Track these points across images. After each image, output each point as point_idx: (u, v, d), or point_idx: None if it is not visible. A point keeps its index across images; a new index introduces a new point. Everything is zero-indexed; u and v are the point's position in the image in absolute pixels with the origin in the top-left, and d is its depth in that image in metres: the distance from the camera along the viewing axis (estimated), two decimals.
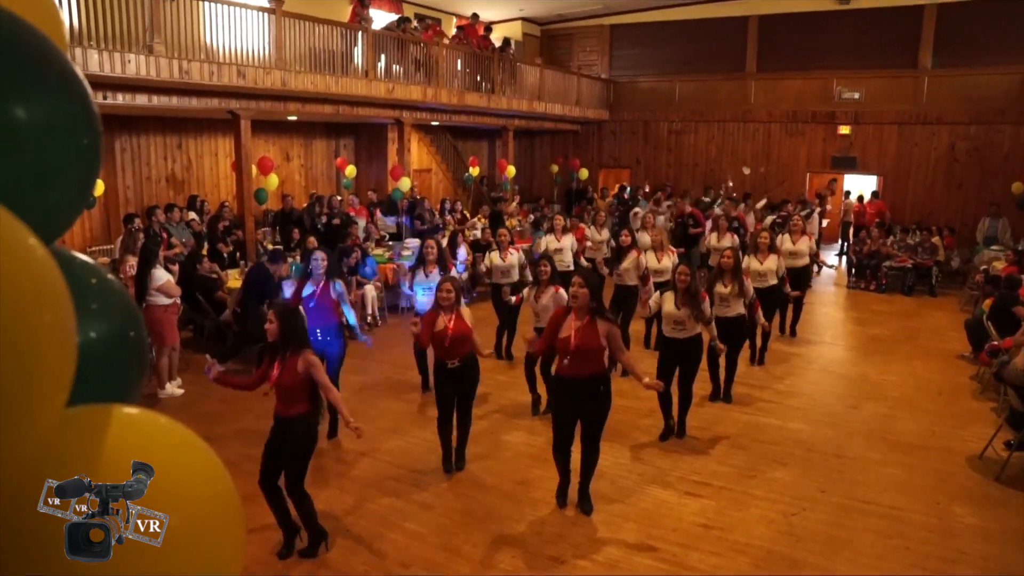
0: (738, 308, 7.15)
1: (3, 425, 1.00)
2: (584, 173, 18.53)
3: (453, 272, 7.39)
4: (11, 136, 1.19)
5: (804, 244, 9.62)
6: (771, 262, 8.42)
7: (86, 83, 1.36)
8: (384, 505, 5.31)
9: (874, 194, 16.16)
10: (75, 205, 1.37)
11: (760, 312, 7.32)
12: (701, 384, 7.53)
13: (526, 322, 8.67)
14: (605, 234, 10.70)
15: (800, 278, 9.50)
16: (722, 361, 7.32)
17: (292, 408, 4.49)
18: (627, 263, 8.26)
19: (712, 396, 7.47)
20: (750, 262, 8.38)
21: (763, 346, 8.73)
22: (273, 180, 11.66)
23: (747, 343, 8.49)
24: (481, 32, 16.14)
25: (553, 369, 5.47)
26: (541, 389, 6.95)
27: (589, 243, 10.69)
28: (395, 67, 12.94)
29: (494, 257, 8.54)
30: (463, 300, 5.79)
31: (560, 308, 5.21)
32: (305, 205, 13.13)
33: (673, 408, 6.50)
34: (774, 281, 8.43)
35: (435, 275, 7.39)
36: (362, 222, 12.59)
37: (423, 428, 6.68)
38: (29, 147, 1.22)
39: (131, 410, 1.34)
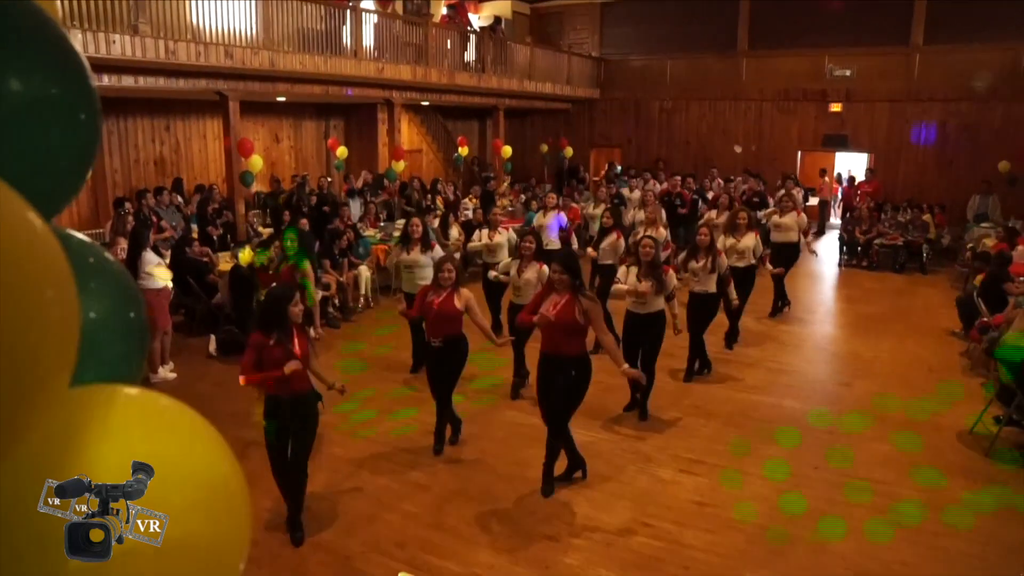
0: (709, 285, 7.18)
1: (6, 405, 0.98)
2: (569, 151, 18.42)
3: (437, 251, 7.38)
4: (6, 110, 1.17)
5: (791, 219, 9.62)
6: (748, 240, 8.38)
7: (83, 57, 1.33)
8: (378, 485, 5.33)
9: (870, 172, 16.16)
10: (73, 182, 1.35)
11: (732, 287, 7.31)
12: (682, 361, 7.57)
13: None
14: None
15: (785, 254, 9.51)
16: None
17: (305, 383, 4.56)
18: (606, 243, 8.25)
19: (686, 376, 7.46)
20: (725, 240, 8.35)
21: (732, 328, 8.54)
22: (257, 162, 11.55)
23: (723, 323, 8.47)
24: (471, 10, 15.99)
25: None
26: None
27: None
28: (384, 48, 12.80)
29: (483, 235, 8.56)
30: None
31: (544, 286, 5.18)
32: (290, 190, 13.02)
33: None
34: (752, 260, 8.39)
35: (416, 254, 7.40)
36: (356, 203, 12.53)
37: (416, 409, 6.68)
38: (25, 122, 1.20)
39: (133, 391, 1.33)
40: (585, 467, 5.38)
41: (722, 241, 8.27)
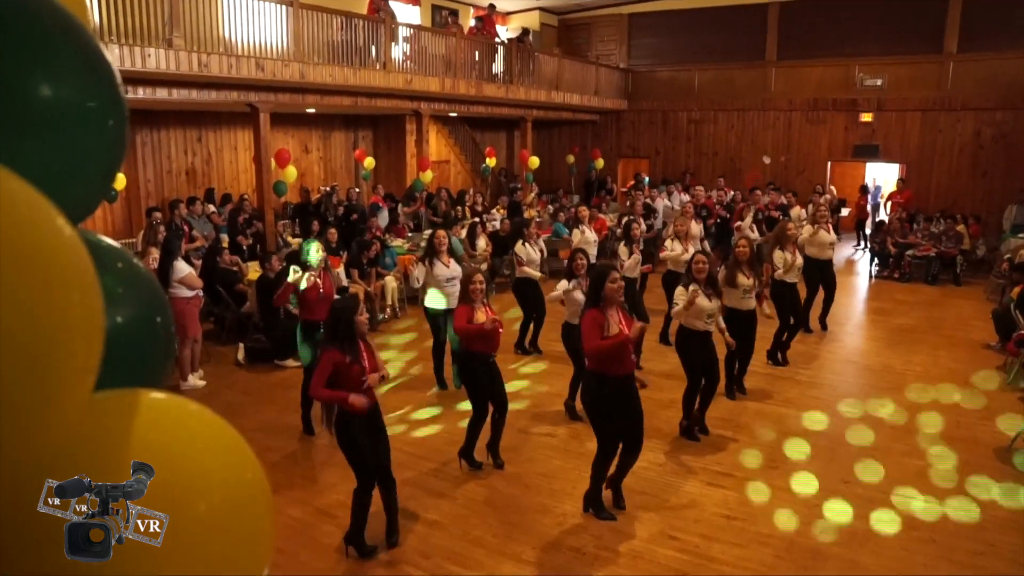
0: (752, 302, 7.00)
1: (31, 408, 0.99)
2: (600, 163, 18.41)
3: (455, 265, 7.36)
4: (36, 115, 1.18)
5: (832, 234, 9.41)
6: (798, 256, 8.25)
7: (112, 63, 1.35)
8: (404, 495, 5.30)
9: (902, 182, 15.92)
10: (100, 187, 1.37)
11: (766, 303, 7.16)
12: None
13: (551, 312, 8.63)
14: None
15: (828, 270, 9.35)
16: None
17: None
18: (631, 259, 8.16)
19: (727, 390, 7.24)
20: (782, 255, 8.12)
21: (785, 342, 8.32)
22: (292, 172, 11.70)
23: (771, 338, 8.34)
24: (499, 22, 16.07)
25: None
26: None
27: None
28: (411, 59, 12.89)
29: (519, 249, 8.46)
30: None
31: (594, 314, 4.84)
32: (319, 197, 13.15)
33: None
34: (797, 278, 8.25)
35: (454, 266, 7.39)
36: (384, 212, 12.61)
37: (442, 419, 6.69)
38: (55, 127, 1.21)
39: (158, 395, 1.33)
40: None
41: (778, 256, 8.11)
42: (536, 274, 8.44)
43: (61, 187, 1.17)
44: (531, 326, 8.60)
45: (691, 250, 8.25)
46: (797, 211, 13.09)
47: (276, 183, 11.18)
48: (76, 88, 1.24)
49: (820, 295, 9.59)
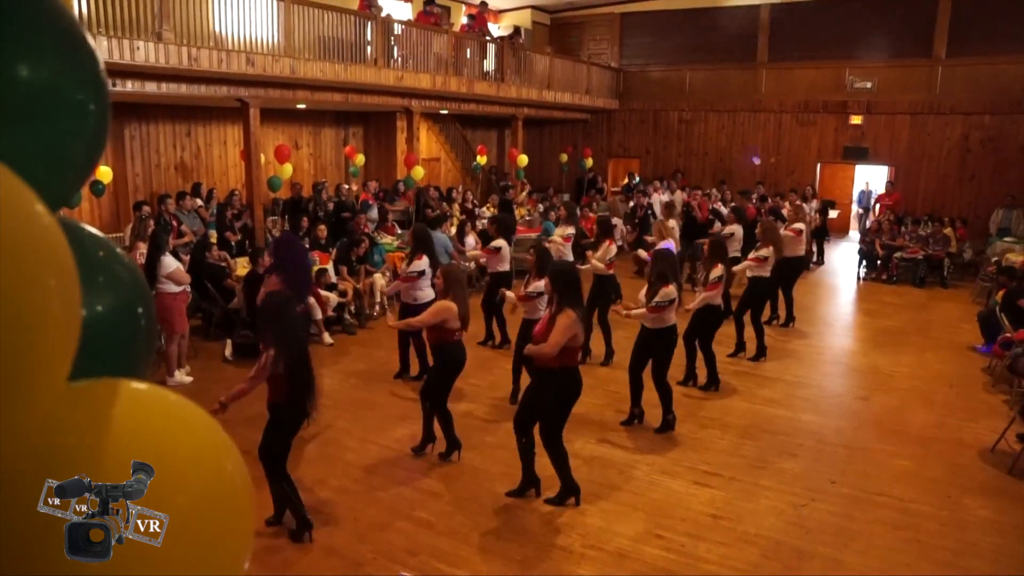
0: (712, 298, 7.10)
1: (3, 396, 0.97)
2: (589, 162, 18.40)
3: (416, 264, 7.40)
4: (16, 100, 1.17)
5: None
6: (765, 251, 8.40)
7: (95, 46, 1.33)
8: (392, 493, 5.31)
9: (890, 184, 16.01)
10: (80, 174, 1.35)
11: (708, 294, 7.15)
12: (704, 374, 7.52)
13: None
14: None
15: (795, 268, 9.57)
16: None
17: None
18: (599, 252, 8.18)
19: (683, 382, 7.40)
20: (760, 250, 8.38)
21: (738, 340, 8.54)
22: (288, 168, 11.63)
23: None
24: (490, 20, 16.04)
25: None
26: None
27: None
28: (402, 56, 12.85)
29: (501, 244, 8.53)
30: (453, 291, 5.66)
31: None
32: (312, 193, 13.11)
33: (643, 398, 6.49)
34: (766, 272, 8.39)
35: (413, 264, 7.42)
36: (374, 210, 12.58)
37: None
38: (35, 112, 1.20)
39: (138, 385, 1.32)
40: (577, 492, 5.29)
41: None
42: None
43: (40, 172, 1.15)
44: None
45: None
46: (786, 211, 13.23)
47: (271, 178, 11.12)
48: (57, 73, 1.22)
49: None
